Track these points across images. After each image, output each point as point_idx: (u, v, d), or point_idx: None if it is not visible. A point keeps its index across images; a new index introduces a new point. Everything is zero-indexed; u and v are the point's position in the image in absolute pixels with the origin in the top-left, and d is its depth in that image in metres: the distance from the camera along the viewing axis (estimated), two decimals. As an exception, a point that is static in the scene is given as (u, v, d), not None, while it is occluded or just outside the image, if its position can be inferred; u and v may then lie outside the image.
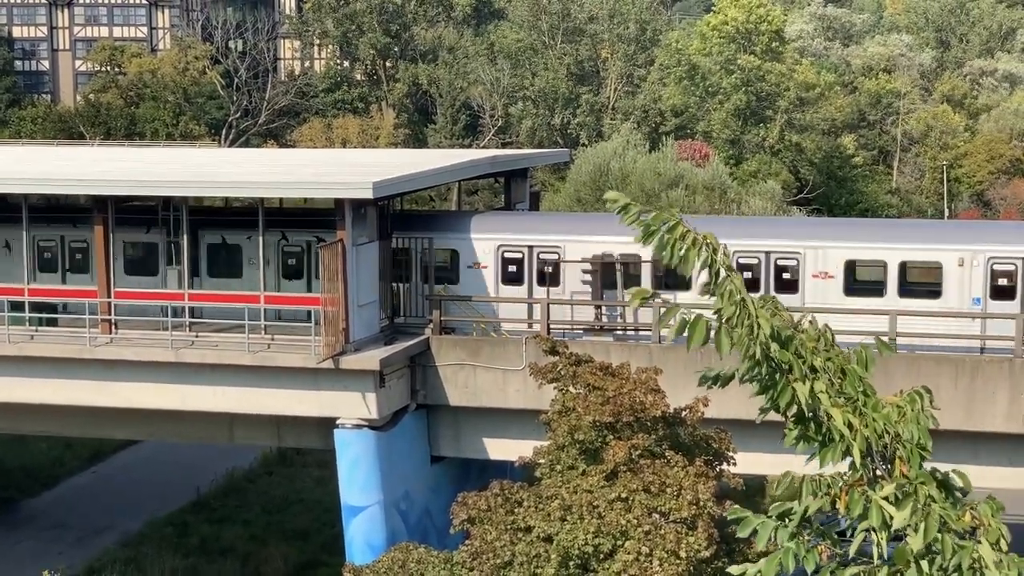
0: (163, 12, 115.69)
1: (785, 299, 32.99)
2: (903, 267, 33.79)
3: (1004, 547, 8.59)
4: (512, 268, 35.94)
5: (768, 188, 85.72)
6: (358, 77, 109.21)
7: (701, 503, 24.30)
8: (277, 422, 35.47)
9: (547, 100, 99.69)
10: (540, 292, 35.67)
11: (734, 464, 26.81)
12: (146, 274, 36.64)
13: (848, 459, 8.74)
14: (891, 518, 8.46)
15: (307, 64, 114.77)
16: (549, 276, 35.69)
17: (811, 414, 8.81)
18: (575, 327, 35.39)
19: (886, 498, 8.51)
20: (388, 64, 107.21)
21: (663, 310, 9.34)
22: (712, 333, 8.62)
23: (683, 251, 8.58)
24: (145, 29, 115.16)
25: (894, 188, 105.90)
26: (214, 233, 36.87)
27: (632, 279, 35.02)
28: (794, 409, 8.82)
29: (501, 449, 34.71)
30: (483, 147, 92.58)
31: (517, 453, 28.57)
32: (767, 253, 34.38)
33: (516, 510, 25.22)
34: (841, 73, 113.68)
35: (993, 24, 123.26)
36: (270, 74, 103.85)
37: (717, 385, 8.97)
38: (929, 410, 9.00)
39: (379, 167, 38.75)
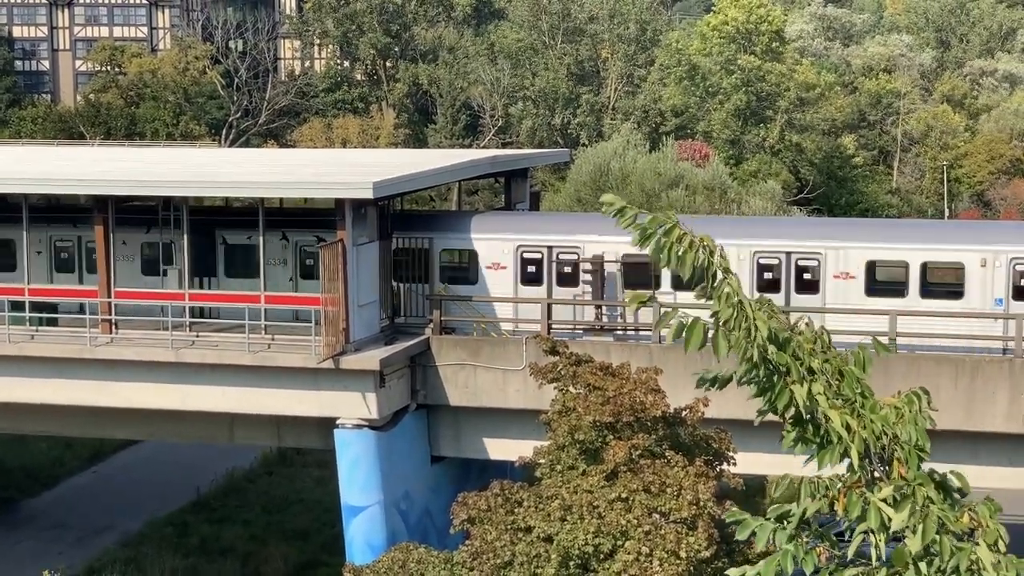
0: (163, 12, 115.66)
1: (806, 300, 33.49)
2: (924, 268, 33.61)
3: (1002, 548, 8.61)
4: (531, 268, 35.83)
5: (768, 188, 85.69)
6: (358, 77, 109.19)
7: (701, 503, 24.30)
8: (277, 422, 35.48)
9: (547, 100, 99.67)
10: (559, 293, 35.54)
11: (734, 464, 26.80)
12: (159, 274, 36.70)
13: (846, 461, 8.74)
14: (889, 520, 8.46)
15: (307, 64, 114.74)
16: (568, 276, 35.58)
17: (809, 416, 8.80)
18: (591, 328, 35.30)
19: (884, 500, 8.51)
20: (388, 64, 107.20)
21: (663, 311, 9.33)
22: (710, 335, 8.63)
23: (680, 253, 8.58)
24: (145, 29, 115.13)
25: (894, 188, 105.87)
26: (237, 234, 36.78)
27: (653, 280, 34.75)
28: (792, 411, 8.82)
29: (501, 449, 34.70)
30: (483, 147, 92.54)
31: (517, 453, 28.57)
32: (788, 253, 34.23)
33: (516, 510, 25.23)
34: (841, 73, 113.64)
35: (993, 24, 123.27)
36: (270, 74, 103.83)
37: (715, 387, 8.98)
38: (927, 411, 9.01)
39: (379, 167, 38.75)
